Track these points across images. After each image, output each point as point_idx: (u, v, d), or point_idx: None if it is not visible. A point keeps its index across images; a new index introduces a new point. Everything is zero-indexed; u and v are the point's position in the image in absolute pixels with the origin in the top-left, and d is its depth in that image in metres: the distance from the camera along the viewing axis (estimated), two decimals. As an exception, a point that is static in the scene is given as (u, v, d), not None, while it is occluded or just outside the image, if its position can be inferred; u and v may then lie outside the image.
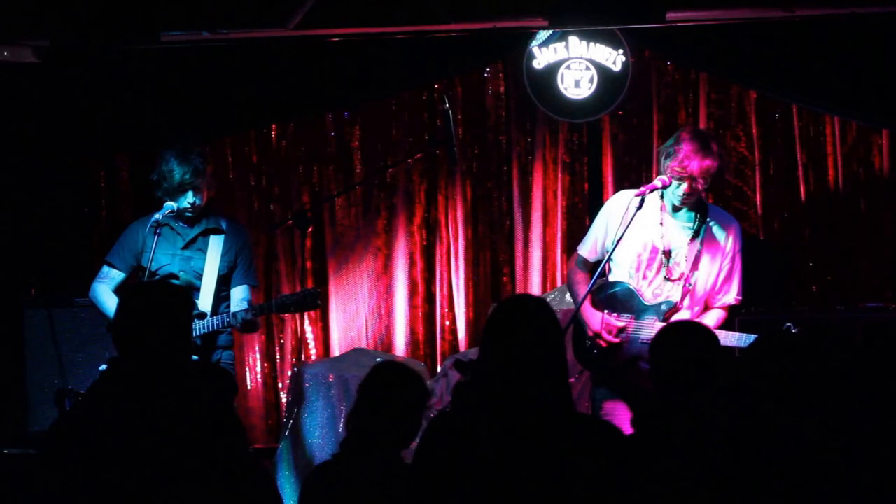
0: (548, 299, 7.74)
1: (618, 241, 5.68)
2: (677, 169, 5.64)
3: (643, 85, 7.95)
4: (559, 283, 8.06)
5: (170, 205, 6.21)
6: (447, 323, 8.32)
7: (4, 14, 6.76)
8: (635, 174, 8.00)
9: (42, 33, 6.77)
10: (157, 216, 6.20)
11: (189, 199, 6.20)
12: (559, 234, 8.19)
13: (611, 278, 5.87)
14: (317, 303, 6.26)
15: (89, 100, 7.43)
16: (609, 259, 5.78)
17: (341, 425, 6.96)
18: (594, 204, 7.88)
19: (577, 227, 8.10)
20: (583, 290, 5.85)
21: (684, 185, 5.66)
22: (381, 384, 4.27)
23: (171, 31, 6.79)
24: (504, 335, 3.70)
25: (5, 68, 7.22)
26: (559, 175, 8.20)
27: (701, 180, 5.65)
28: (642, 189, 5.73)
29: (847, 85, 7.00)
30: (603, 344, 5.72)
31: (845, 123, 7.84)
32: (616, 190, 7.88)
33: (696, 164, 5.61)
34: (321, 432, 7.10)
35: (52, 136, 7.50)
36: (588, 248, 5.96)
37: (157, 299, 3.93)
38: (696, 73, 7.97)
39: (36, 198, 7.73)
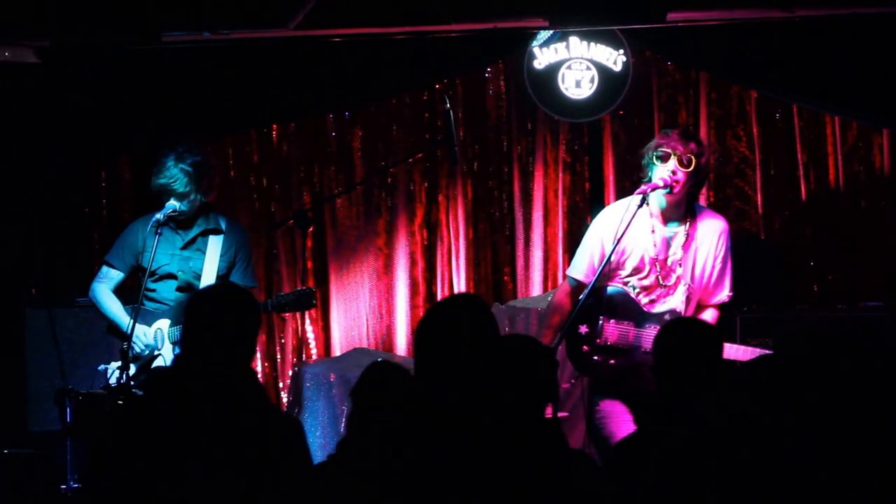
0: (549, 299, 7.79)
1: (618, 241, 5.65)
2: (660, 146, 5.66)
3: (644, 85, 7.95)
4: (560, 284, 8.06)
5: (171, 205, 6.22)
6: (448, 322, 8.30)
7: (5, 14, 6.76)
8: (636, 174, 7.97)
9: (43, 34, 6.77)
10: (159, 216, 6.20)
11: (174, 203, 6.21)
12: (560, 234, 8.19)
13: (609, 289, 5.79)
14: (312, 302, 6.25)
15: (90, 100, 7.42)
16: (608, 263, 5.70)
17: (342, 425, 6.96)
18: (595, 203, 7.88)
19: (579, 227, 8.09)
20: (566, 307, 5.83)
21: (670, 164, 5.65)
22: (371, 385, 4.30)
23: (173, 32, 6.79)
24: (431, 342, 3.74)
25: (6, 68, 7.21)
26: (560, 175, 8.20)
27: (685, 158, 5.63)
28: (643, 188, 5.71)
29: (847, 85, 7.00)
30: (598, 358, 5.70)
31: (846, 123, 7.84)
32: (617, 189, 7.92)
33: (676, 140, 5.65)
34: (322, 432, 7.10)
35: (53, 137, 7.49)
36: (583, 268, 5.81)
37: (232, 303, 3.96)
38: (696, 73, 7.97)
39: (37, 198, 7.73)
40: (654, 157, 5.71)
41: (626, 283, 5.74)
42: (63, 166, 7.80)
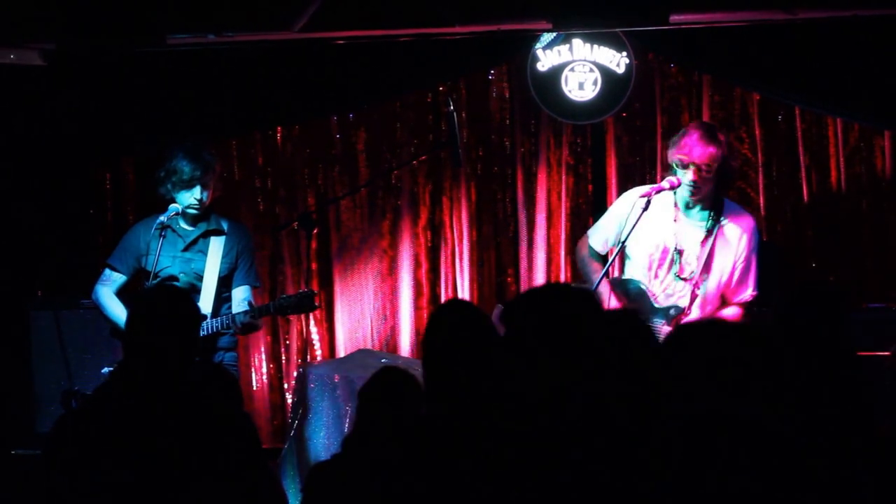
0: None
1: (623, 243, 5.69)
2: (679, 156, 5.69)
3: (647, 87, 7.97)
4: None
5: (174, 206, 6.23)
6: (452, 324, 8.31)
7: (11, 17, 6.78)
8: (639, 176, 8.02)
9: (48, 36, 6.80)
10: (162, 218, 6.21)
11: (196, 194, 6.21)
12: (563, 236, 8.21)
13: (625, 275, 5.87)
14: (314, 304, 6.28)
15: (95, 103, 7.45)
16: (617, 259, 5.76)
17: (346, 426, 6.98)
18: (598, 205, 7.90)
19: (581, 229, 8.08)
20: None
21: (690, 173, 5.67)
22: (380, 386, 4.35)
23: (177, 34, 6.82)
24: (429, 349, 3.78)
25: (12, 71, 7.24)
26: (563, 177, 8.22)
27: (705, 167, 5.65)
28: (648, 191, 5.73)
29: (849, 87, 7.02)
30: None
31: (847, 125, 7.85)
32: (620, 191, 7.87)
33: (698, 151, 5.65)
34: (326, 433, 7.12)
35: (58, 139, 7.52)
36: (599, 242, 5.98)
37: (167, 304, 4.00)
38: (699, 75, 7.99)
39: (42, 200, 7.76)
40: (675, 164, 5.75)
41: (642, 272, 5.76)
42: (68, 168, 7.83)
